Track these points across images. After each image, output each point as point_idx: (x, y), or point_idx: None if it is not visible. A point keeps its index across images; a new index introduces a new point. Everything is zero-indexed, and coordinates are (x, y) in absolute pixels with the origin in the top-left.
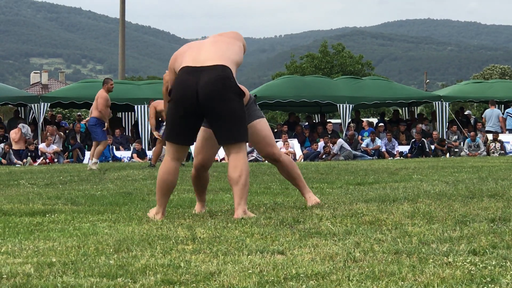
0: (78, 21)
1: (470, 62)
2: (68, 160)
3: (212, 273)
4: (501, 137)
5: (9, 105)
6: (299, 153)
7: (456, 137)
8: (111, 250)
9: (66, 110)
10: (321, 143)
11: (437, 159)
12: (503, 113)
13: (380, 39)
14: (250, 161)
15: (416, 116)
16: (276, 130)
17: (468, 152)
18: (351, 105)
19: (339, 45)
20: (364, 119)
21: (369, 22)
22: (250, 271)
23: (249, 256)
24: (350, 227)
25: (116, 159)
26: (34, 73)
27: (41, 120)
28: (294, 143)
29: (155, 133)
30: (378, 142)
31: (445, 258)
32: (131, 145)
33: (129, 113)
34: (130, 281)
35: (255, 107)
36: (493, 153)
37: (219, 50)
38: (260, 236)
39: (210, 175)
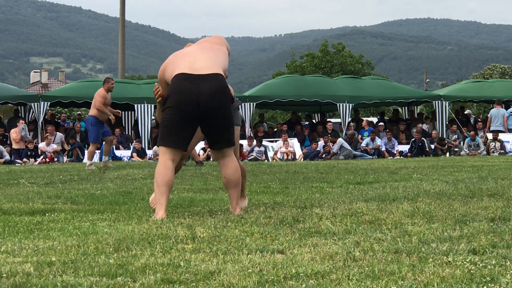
0: (78, 20)
1: (470, 61)
2: (68, 159)
3: (212, 272)
4: (501, 136)
5: (9, 104)
6: (299, 152)
7: (456, 136)
8: (111, 249)
9: (66, 109)
10: (321, 143)
11: (437, 158)
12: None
13: (380, 39)
14: (250, 160)
15: (416, 116)
16: (276, 129)
17: (468, 152)
18: (351, 105)
19: (339, 44)
20: (363, 119)
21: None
22: (250, 270)
23: (249, 256)
24: (350, 227)
25: (116, 158)
26: (34, 72)
27: (41, 119)
28: (294, 142)
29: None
30: (378, 141)
31: (445, 257)
32: (131, 144)
33: (129, 112)
34: (130, 280)
35: (237, 113)
36: (493, 152)
37: (210, 58)
38: (260, 235)
39: (210, 174)
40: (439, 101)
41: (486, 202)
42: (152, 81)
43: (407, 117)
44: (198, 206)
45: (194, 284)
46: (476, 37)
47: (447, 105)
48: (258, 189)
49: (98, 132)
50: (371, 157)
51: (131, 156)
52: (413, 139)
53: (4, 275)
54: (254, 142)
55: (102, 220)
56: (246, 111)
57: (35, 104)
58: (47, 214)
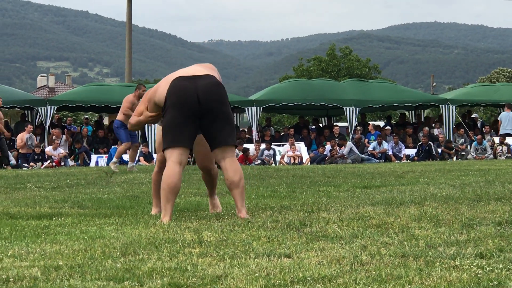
0: (84, 24)
1: (477, 65)
2: (75, 163)
3: (219, 277)
4: (508, 140)
5: (16, 109)
6: (305, 156)
7: (463, 140)
8: (118, 253)
9: (73, 113)
10: (327, 146)
11: (444, 162)
12: None
13: (386, 42)
14: (257, 164)
15: (423, 119)
16: (283, 133)
17: (475, 155)
18: (357, 108)
19: (346, 48)
20: (370, 122)
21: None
22: (257, 275)
23: (256, 260)
24: (357, 230)
25: (123, 162)
26: (41, 76)
27: (48, 123)
28: (301, 146)
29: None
30: (385, 145)
31: (452, 261)
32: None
33: None
34: (137, 284)
35: None
36: (500, 156)
37: (205, 68)
38: (267, 239)
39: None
40: (446, 105)
41: (493, 206)
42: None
43: (414, 120)
44: (205, 210)
45: None
46: (483, 40)
47: (454, 109)
48: (265, 193)
49: (127, 133)
50: (378, 161)
51: (138, 160)
52: (420, 143)
53: (11, 279)
54: (263, 145)
55: (109, 224)
56: (253, 115)
57: (42, 108)
58: (54, 218)
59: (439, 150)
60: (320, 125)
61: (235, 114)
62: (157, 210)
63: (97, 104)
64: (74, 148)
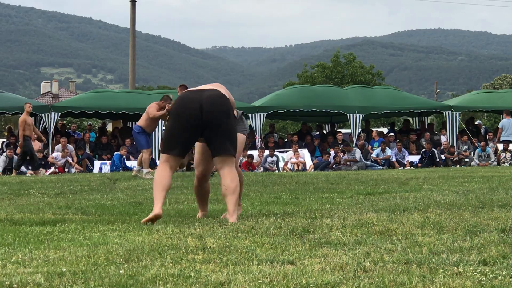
0: (88, 30)
1: (481, 72)
2: (78, 169)
3: (222, 283)
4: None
5: (20, 115)
6: (309, 162)
7: (466, 147)
8: (121, 259)
9: (76, 120)
10: (332, 153)
11: (448, 169)
12: None
13: (390, 49)
14: (260, 172)
15: (426, 126)
16: (286, 140)
17: (478, 162)
18: (361, 115)
19: (350, 55)
20: (373, 129)
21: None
22: (260, 281)
23: (259, 266)
24: (360, 237)
25: (127, 168)
26: (45, 82)
27: (52, 129)
28: (304, 153)
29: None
30: (389, 152)
31: (455, 268)
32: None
33: None
34: None
35: (243, 123)
36: (504, 163)
37: (215, 86)
38: (270, 246)
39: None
40: (450, 112)
41: (496, 213)
42: (163, 91)
43: (417, 127)
44: (208, 216)
45: None
46: (486, 47)
47: (457, 115)
48: (269, 199)
49: (147, 139)
50: (381, 167)
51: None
52: (423, 150)
53: (15, 285)
54: (267, 152)
55: (112, 230)
56: (257, 121)
57: (46, 114)
58: (57, 225)
59: (443, 156)
60: (324, 131)
61: None
62: (202, 214)
63: (100, 110)
64: (77, 155)
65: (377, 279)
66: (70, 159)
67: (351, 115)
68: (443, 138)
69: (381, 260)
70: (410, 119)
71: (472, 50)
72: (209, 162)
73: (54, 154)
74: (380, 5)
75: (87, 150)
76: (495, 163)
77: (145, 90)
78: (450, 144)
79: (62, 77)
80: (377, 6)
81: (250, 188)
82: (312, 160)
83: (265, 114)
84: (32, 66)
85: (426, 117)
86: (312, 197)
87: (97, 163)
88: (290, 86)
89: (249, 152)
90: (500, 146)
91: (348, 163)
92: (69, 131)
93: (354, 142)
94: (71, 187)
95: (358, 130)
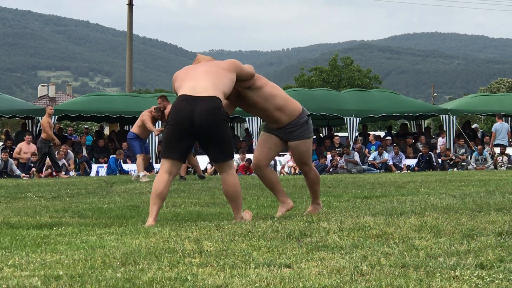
0: (85, 34)
1: (478, 75)
2: (75, 173)
3: (219, 286)
4: (508, 150)
5: (17, 118)
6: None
7: (463, 150)
8: (118, 263)
9: (74, 123)
10: (328, 156)
11: (444, 172)
12: (511, 126)
13: (387, 53)
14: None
15: (423, 130)
16: None
17: (475, 166)
18: (358, 118)
19: (347, 59)
20: (370, 133)
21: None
22: (257, 285)
23: (256, 270)
24: (357, 241)
25: (124, 172)
26: (42, 86)
27: None
28: None
29: (156, 130)
30: (386, 155)
31: (452, 271)
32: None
33: None
34: None
35: (307, 126)
36: (501, 166)
37: (212, 83)
38: (267, 249)
39: (218, 188)
40: (447, 115)
41: (493, 217)
42: (159, 95)
43: (414, 131)
44: (205, 220)
45: None
46: (483, 51)
47: (454, 119)
48: (266, 203)
49: (140, 145)
50: (378, 171)
51: None
52: (420, 153)
53: None
54: None
55: (109, 234)
56: (254, 125)
57: (43, 118)
58: (54, 228)
59: (440, 160)
60: (321, 135)
61: (235, 124)
62: (281, 208)
63: (97, 114)
64: (75, 158)
65: (374, 283)
66: (66, 162)
67: (348, 118)
68: (441, 141)
69: (378, 264)
70: (408, 122)
71: (469, 53)
72: (265, 151)
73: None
74: (377, 9)
75: (84, 153)
76: (492, 166)
77: (142, 93)
78: (447, 147)
79: (59, 81)
80: (374, 9)
81: (247, 191)
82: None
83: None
84: (29, 69)
85: (423, 121)
86: (309, 200)
87: (94, 166)
88: (287, 89)
89: (247, 156)
90: (497, 150)
91: (347, 164)
92: (66, 134)
93: (351, 145)
94: (68, 190)
95: (355, 133)
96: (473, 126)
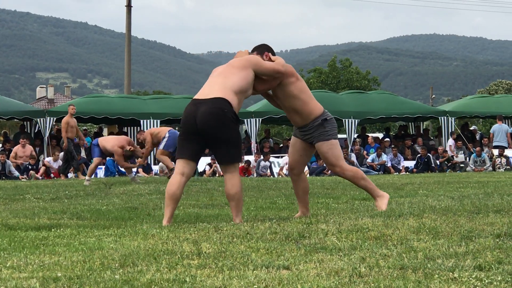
0: (84, 35)
1: (476, 77)
2: (74, 174)
3: None
4: (507, 152)
5: (15, 120)
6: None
7: (461, 152)
8: (117, 264)
9: None
10: None
11: (443, 174)
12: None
13: (385, 54)
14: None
15: (421, 131)
16: (282, 145)
17: (473, 168)
18: (356, 120)
19: (346, 60)
20: (369, 135)
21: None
22: (256, 286)
23: (254, 271)
24: (356, 242)
25: (122, 173)
26: (40, 87)
27: (47, 134)
28: None
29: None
30: (384, 157)
31: (451, 273)
32: (137, 159)
33: (135, 127)
34: None
35: (331, 127)
36: (499, 168)
37: (220, 83)
38: (265, 251)
39: (217, 190)
40: (445, 117)
41: (492, 218)
42: (158, 96)
43: (413, 132)
44: (203, 221)
45: None
46: (482, 53)
47: (453, 120)
48: (264, 204)
49: (100, 151)
50: (377, 173)
51: (137, 172)
52: (419, 155)
53: None
54: (261, 157)
55: (107, 235)
56: (252, 126)
57: (41, 119)
58: (53, 230)
59: (438, 162)
60: None
61: None
62: (299, 213)
63: (96, 115)
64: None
65: (373, 285)
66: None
67: (347, 120)
68: (451, 142)
69: (376, 265)
70: (406, 124)
71: (468, 55)
72: (297, 156)
73: (48, 159)
74: (376, 10)
75: (83, 155)
76: (490, 168)
77: (140, 95)
78: (444, 147)
79: (57, 82)
80: (373, 11)
81: (245, 193)
82: (308, 166)
83: (260, 119)
84: (28, 71)
85: (421, 123)
86: (311, 204)
87: None
88: None
89: (246, 157)
90: (495, 152)
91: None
92: None
93: (350, 147)
94: (67, 192)
95: (354, 135)
96: (471, 128)
